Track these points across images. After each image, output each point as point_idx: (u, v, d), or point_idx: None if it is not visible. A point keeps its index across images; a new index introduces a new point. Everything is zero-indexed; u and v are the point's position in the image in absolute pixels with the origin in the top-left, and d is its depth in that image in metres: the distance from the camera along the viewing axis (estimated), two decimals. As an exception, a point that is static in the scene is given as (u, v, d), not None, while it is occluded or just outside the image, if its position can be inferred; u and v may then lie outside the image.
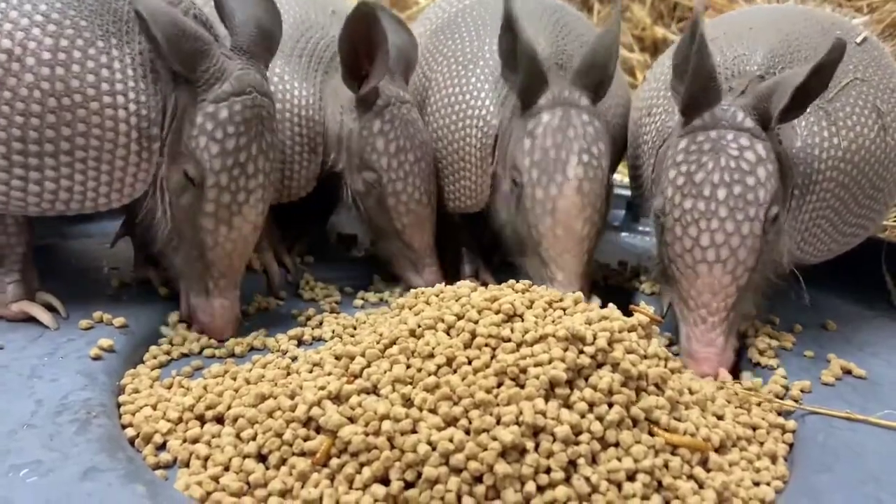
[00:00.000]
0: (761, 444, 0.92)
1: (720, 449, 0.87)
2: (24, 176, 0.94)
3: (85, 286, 1.16)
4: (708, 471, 0.83)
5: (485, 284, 1.14)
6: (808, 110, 1.06)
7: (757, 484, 0.85)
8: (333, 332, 1.13)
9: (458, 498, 0.74)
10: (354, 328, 1.14)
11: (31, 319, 1.03)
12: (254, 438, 0.81)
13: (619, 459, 0.79)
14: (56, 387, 0.88)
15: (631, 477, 0.78)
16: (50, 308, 1.05)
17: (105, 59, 0.95)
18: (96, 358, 0.97)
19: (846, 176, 1.08)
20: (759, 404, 0.98)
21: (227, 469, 0.79)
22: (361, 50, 1.17)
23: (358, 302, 1.28)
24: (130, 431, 0.84)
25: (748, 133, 1.03)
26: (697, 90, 1.03)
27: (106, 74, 0.95)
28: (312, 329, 1.15)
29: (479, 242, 1.41)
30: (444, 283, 1.12)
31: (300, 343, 1.12)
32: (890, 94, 1.12)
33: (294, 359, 1.05)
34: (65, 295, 1.08)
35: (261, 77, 1.06)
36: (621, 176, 1.73)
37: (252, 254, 1.31)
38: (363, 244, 1.49)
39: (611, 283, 1.44)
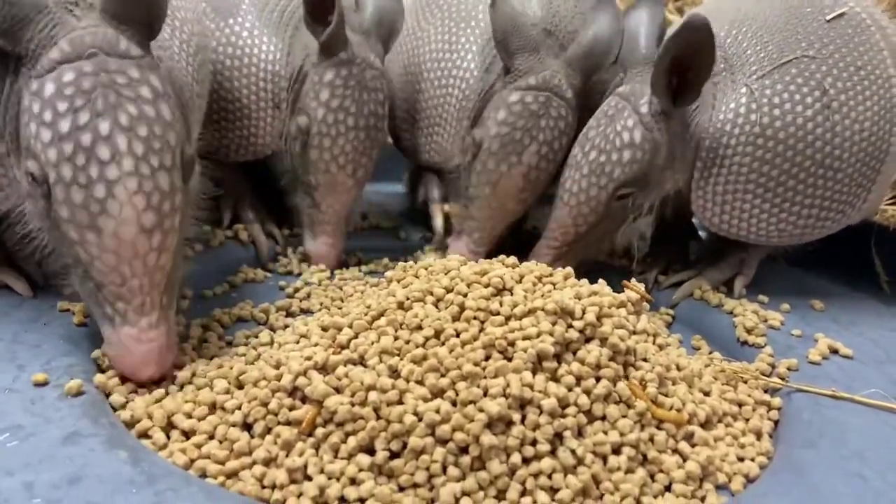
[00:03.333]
0: (747, 420, 0.92)
1: (706, 424, 0.87)
2: None
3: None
4: (693, 445, 0.83)
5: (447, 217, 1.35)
6: (736, 86, 1.11)
7: (741, 459, 0.85)
8: (321, 304, 1.12)
9: (444, 468, 0.74)
10: (342, 300, 1.14)
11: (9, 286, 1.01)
12: (239, 408, 0.81)
13: (605, 433, 0.79)
14: (38, 352, 0.87)
15: (616, 450, 0.78)
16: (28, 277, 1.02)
17: None
18: (80, 325, 0.95)
19: (768, 152, 1.09)
20: (745, 381, 0.98)
21: (211, 437, 0.79)
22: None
23: (347, 274, 1.26)
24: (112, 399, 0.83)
25: (637, 116, 1.10)
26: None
27: None
28: (300, 301, 1.14)
29: None
30: (333, 260, 1.23)
31: (288, 314, 1.11)
32: (850, 74, 1.11)
33: (284, 327, 1.05)
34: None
35: (115, 35, 0.81)
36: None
37: (234, 228, 1.30)
38: (353, 218, 1.48)
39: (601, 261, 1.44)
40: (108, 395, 0.84)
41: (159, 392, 0.85)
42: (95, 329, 0.93)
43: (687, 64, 1.04)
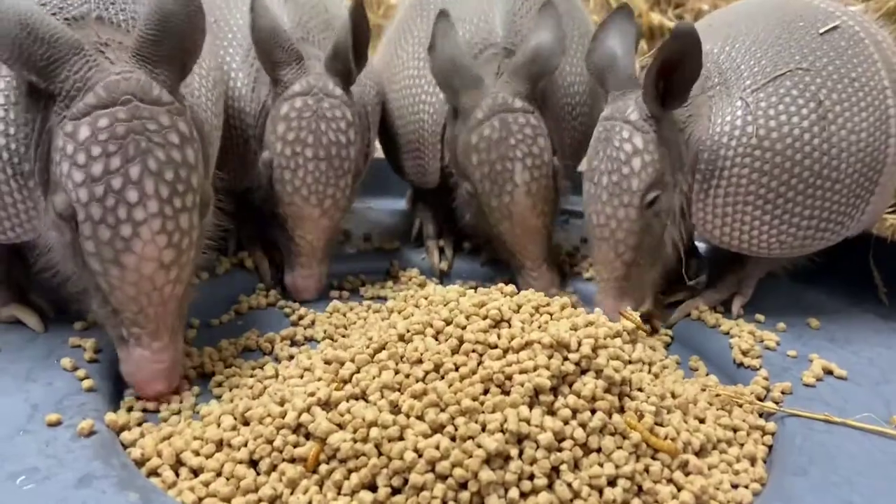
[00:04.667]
0: (741, 445, 0.94)
1: (700, 452, 0.89)
2: None
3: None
4: (687, 474, 0.85)
5: (443, 250, 1.42)
6: (731, 99, 1.12)
7: (735, 486, 0.87)
8: (325, 331, 1.15)
9: (444, 504, 0.76)
10: (346, 328, 1.16)
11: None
12: (245, 445, 0.83)
13: (601, 465, 0.81)
14: (51, 391, 0.90)
15: (612, 482, 0.80)
16: (39, 310, 1.05)
17: None
18: (91, 361, 0.98)
19: (766, 164, 1.10)
20: (741, 406, 1.00)
21: (218, 474, 0.81)
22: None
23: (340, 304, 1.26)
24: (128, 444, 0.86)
25: (631, 125, 1.12)
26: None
27: None
28: (304, 329, 1.17)
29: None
30: (313, 291, 1.24)
31: (293, 343, 1.13)
32: (845, 85, 1.12)
33: (290, 357, 1.07)
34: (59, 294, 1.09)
35: (148, 82, 0.86)
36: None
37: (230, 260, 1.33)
38: (357, 239, 1.50)
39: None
40: (118, 433, 0.87)
41: (168, 429, 0.88)
42: (106, 366, 0.96)
43: (675, 69, 1.06)
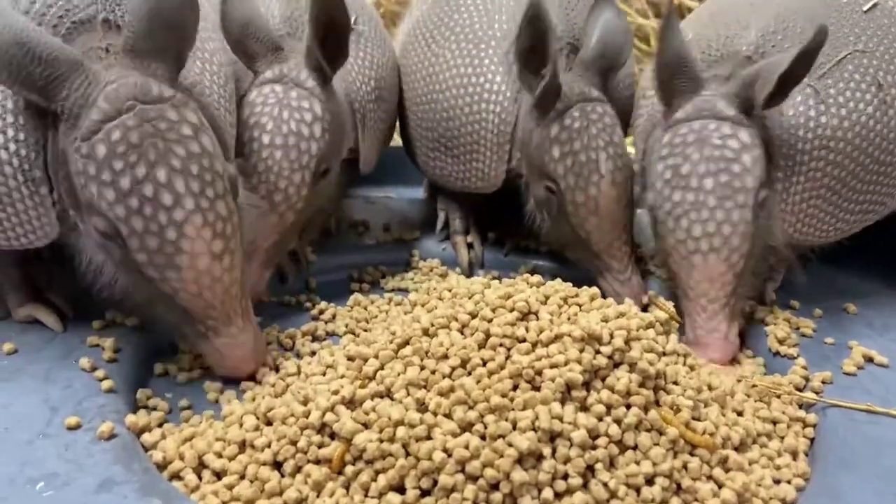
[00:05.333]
0: (782, 439, 0.91)
1: (740, 447, 0.86)
2: None
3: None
4: (727, 471, 0.82)
5: (470, 245, 1.34)
6: (800, 86, 1.05)
7: (777, 482, 0.84)
8: (346, 326, 1.12)
9: (475, 506, 0.74)
10: (367, 322, 1.13)
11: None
12: (269, 446, 0.81)
13: (638, 463, 0.78)
14: (70, 392, 0.88)
15: (650, 480, 0.77)
16: (57, 310, 1.04)
17: None
18: (110, 361, 0.96)
19: (839, 154, 1.06)
20: (779, 397, 0.96)
21: (242, 477, 0.79)
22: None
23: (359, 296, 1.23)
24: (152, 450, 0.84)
25: (729, 121, 1.03)
26: (667, 79, 1.05)
27: None
28: (326, 323, 1.14)
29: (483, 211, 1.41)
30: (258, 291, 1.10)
31: (314, 339, 1.11)
32: None
33: (311, 353, 1.05)
34: (78, 293, 1.07)
35: (145, 82, 0.84)
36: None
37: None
38: (376, 230, 1.47)
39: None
40: (139, 435, 0.85)
41: (189, 429, 0.86)
42: (126, 366, 0.95)
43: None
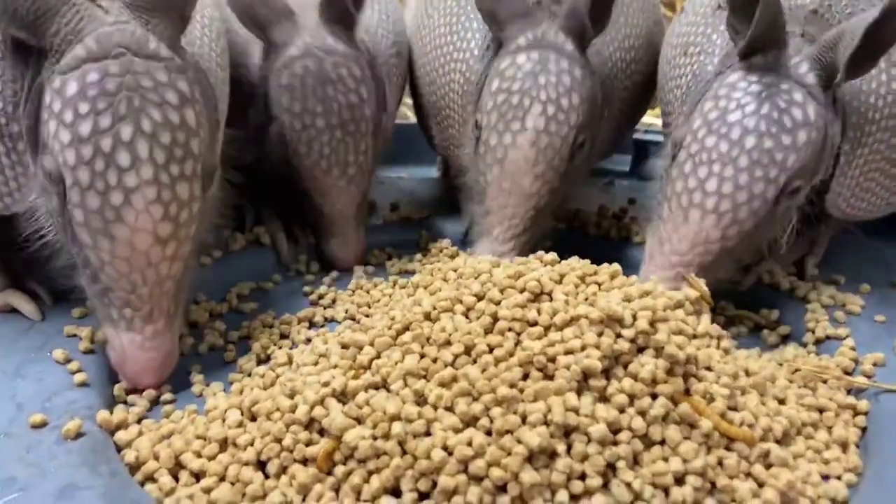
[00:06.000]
0: (830, 429, 0.81)
1: (783, 440, 0.76)
2: None
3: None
4: (769, 467, 0.72)
5: None
6: None
7: (826, 478, 0.75)
8: (346, 311, 1.04)
9: (480, 511, 0.65)
10: (369, 307, 1.05)
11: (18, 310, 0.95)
12: (252, 444, 0.73)
13: (666, 460, 0.68)
14: (40, 387, 0.81)
15: (680, 480, 0.68)
16: (36, 297, 0.97)
17: None
18: (87, 352, 0.89)
19: None
20: (826, 382, 0.86)
21: (222, 479, 0.71)
22: None
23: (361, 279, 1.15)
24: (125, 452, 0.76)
25: (806, 89, 0.91)
26: (763, 31, 0.90)
27: None
28: (325, 309, 1.06)
29: None
30: (352, 259, 1.11)
31: (311, 325, 1.03)
32: None
33: (307, 341, 0.97)
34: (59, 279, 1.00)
35: (144, 35, 0.78)
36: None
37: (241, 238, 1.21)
38: (382, 211, 1.39)
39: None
40: (113, 434, 0.77)
41: (169, 426, 0.78)
42: (104, 357, 0.87)
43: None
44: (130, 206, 0.76)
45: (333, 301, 1.08)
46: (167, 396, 0.86)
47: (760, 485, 0.70)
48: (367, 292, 1.09)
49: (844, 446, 0.79)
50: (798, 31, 0.96)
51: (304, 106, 1.04)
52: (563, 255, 0.90)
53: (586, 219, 1.32)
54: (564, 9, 1.05)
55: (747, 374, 0.81)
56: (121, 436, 0.77)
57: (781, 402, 0.81)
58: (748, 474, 0.71)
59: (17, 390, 0.81)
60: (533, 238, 1.07)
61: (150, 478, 0.72)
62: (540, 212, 1.05)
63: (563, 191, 1.08)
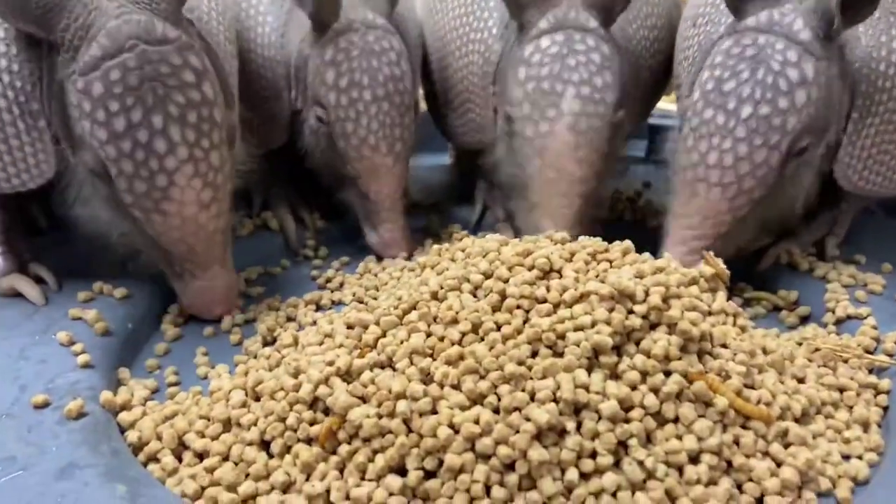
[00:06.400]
0: (850, 408, 0.78)
1: (802, 418, 0.73)
2: None
3: (91, 254, 1.07)
4: (787, 446, 0.70)
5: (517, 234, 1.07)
6: (884, 14, 0.90)
7: (847, 458, 0.72)
8: (354, 294, 1.02)
9: (487, 489, 0.63)
10: (377, 289, 1.03)
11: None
12: (255, 424, 0.71)
13: (680, 438, 0.66)
14: (43, 369, 0.80)
15: (694, 458, 0.66)
16: (41, 281, 0.96)
17: None
18: (93, 334, 0.88)
19: None
20: (846, 361, 0.84)
21: (225, 459, 0.70)
22: None
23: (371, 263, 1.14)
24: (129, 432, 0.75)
25: (801, 46, 0.87)
26: None
27: None
28: (332, 292, 1.04)
29: None
30: (404, 245, 1.09)
31: (318, 308, 1.01)
32: None
33: (313, 323, 0.95)
34: (68, 264, 0.99)
35: (150, 21, 0.81)
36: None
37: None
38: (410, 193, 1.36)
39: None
40: (116, 414, 0.76)
41: (172, 407, 0.77)
42: (107, 341, 0.87)
43: None
44: (174, 184, 0.83)
45: (341, 284, 1.07)
46: (171, 378, 0.85)
47: (779, 464, 0.68)
48: (376, 276, 1.07)
49: (866, 426, 0.76)
50: None
51: (351, 79, 1.03)
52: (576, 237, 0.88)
53: (599, 202, 1.29)
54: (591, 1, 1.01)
55: (765, 352, 0.78)
56: (124, 416, 0.76)
57: (800, 380, 0.79)
58: (766, 453, 0.69)
59: (20, 372, 0.80)
60: (584, 229, 1.00)
61: (153, 458, 0.71)
62: (587, 199, 1.02)
63: (607, 173, 1.05)
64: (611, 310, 0.71)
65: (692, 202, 0.91)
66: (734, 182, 0.89)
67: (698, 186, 0.90)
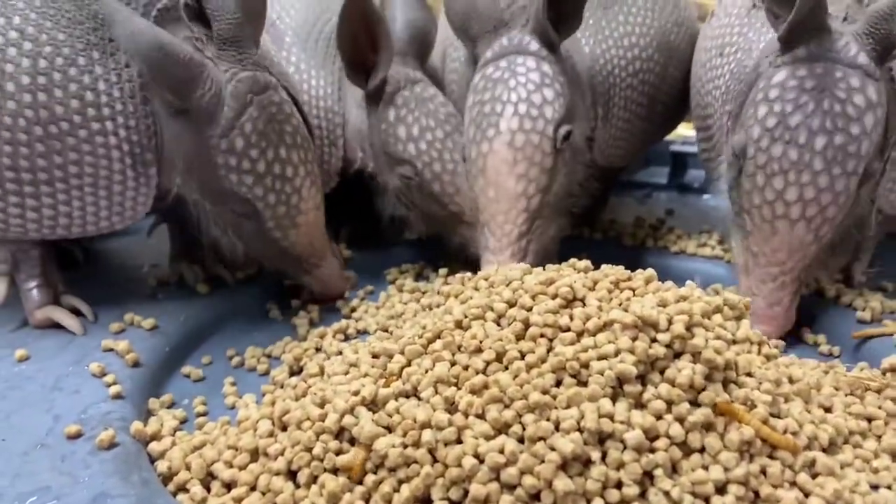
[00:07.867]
0: (879, 438, 0.77)
1: (829, 448, 0.72)
2: (20, 203, 0.89)
3: (121, 285, 1.10)
4: (815, 476, 0.69)
5: None
6: None
7: (875, 488, 0.71)
8: (378, 323, 1.03)
9: (513, 520, 0.63)
10: (402, 318, 1.04)
11: (59, 325, 0.97)
12: (282, 454, 0.72)
13: (706, 468, 0.66)
14: (76, 400, 0.82)
15: (721, 489, 0.65)
16: (78, 313, 0.99)
17: (88, 80, 0.87)
18: (124, 365, 0.89)
19: None
20: (879, 391, 0.83)
21: (253, 489, 0.71)
22: (363, 40, 1.07)
23: (393, 292, 1.17)
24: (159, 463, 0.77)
25: (861, 71, 0.87)
26: (805, 14, 0.86)
27: (91, 98, 0.88)
28: (356, 321, 1.06)
29: None
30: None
31: (346, 337, 1.03)
32: None
33: (338, 353, 0.96)
34: (99, 296, 1.02)
35: (252, 69, 0.93)
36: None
37: None
38: (417, 225, 1.38)
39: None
40: (147, 444, 0.78)
41: (201, 437, 0.78)
42: (138, 372, 0.89)
43: None
44: (303, 199, 0.99)
45: (366, 312, 1.08)
46: (200, 409, 0.87)
47: (806, 494, 0.67)
48: (404, 304, 1.09)
49: (894, 455, 0.75)
50: (840, 14, 0.92)
51: (421, 126, 1.11)
52: (598, 265, 0.89)
53: (622, 229, 1.30)
54: (530, 12, 1.05)
55: (790, 381, 0.78)
56: (154, 447, 0.77)
57: (827, 410, 0.78)
58: (793, 483, 0.68)
59: (54, 402, 0.82)
60: (539, 243, 1.05)
61: (182, 488, 0.72)
62: (535, 213, 1.03)
63: (561, 188, 1.06)
64: (634, 338, 0.71)
65: (773, 239, 0.91)
66: (817, 213, 0.89)
67: (779, 224, 0.90)
